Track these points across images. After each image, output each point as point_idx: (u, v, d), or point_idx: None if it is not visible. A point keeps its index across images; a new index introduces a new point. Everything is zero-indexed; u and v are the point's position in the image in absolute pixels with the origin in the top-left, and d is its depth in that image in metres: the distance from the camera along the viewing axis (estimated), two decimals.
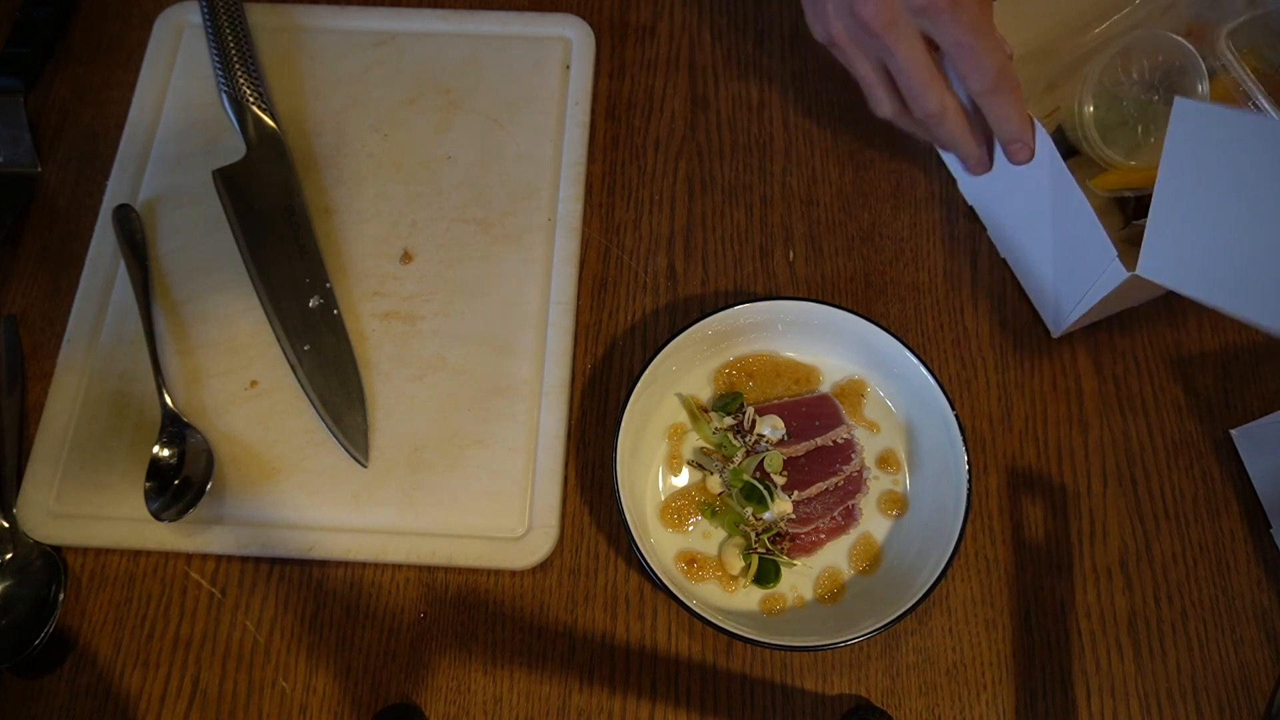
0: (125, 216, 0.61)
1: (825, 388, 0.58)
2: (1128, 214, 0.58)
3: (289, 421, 0.57)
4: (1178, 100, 0.45)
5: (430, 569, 0.55)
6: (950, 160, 0.65)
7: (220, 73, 0.65)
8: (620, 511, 0.50)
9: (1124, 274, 0.50)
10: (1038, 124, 0.53)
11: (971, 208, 0.64)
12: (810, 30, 0.57)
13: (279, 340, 0.58)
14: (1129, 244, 0.50)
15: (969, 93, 0.53)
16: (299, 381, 0.57)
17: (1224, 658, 0.53)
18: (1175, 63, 0.54)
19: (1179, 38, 0.53)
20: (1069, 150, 0.57)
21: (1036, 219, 0.57)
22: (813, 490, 0.54)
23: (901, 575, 0.52)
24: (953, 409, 0.52)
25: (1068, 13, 0.60)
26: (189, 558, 0.54)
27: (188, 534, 0.54)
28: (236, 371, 0.58)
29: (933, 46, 0.53)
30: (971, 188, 0.64)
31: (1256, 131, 0.41)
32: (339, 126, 0.65)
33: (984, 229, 0.64)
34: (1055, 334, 0.60)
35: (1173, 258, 0.47)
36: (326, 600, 0.54)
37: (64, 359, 0.58)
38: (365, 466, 0.56)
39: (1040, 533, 0.56)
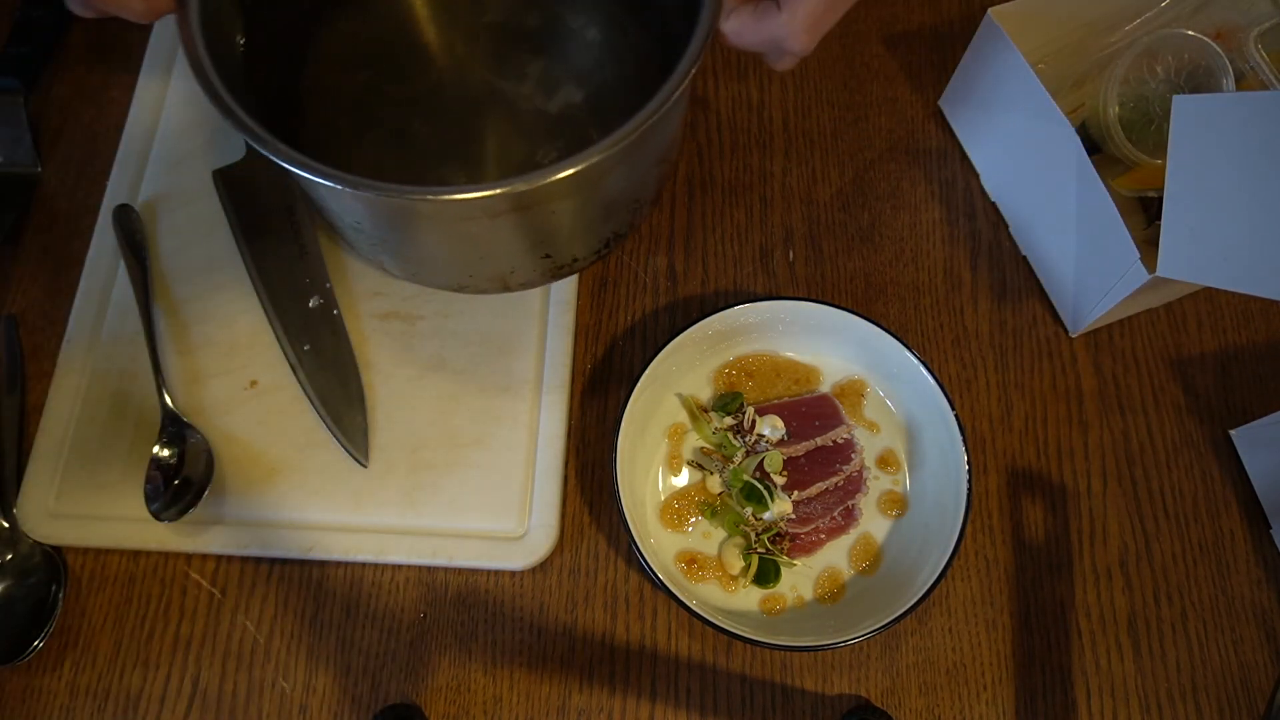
0: (125, 216, 0.61)
1: (825, 388, 0.58)
2: (1150, 215, 0.58)
3: (289, 421, 0.57)
4: (1176, 98, 0.45)
5: (430, 569, 0.55)
6: (974, 155, 0.65)
7: None
8: (620, 511, 0.50)
9: (1145, 275, 0.50)
10: (1065, 122, 0.52)
11: (993, 204, 0.64)
12: None
13: (279, 340, 0.58)
14: (1151, 245, 0.50)
15: None
16: (299, 381, 0.57)
17: (1224, 658, 0.53)
18: (1201, 63, 0.53)
19: (1204, 37, 0.53)
20: (1092, 147, 0.57)
21: (1059, 217, 0.57)
22: (813, 490, 0.54)
23: (901, 575, 0.52)
24: (953, 409, 0.52)
25: (1097, 12, 0.60)
26: (189, 558, 0.54)
27: (188, 534, 0.54)
28: (236, 371, 0.58)
29: None
30: (995, 184, 0.64)
31: (1262, 110, 0.41)
32: None
33: (984, 229, 0.64)
34: (1073, 334, 0.60)
35: (1191, 252, 0.47)
36: (326, 600, 0.54)
37: (64, 359, 0.58)
38: (365, 466, 0.56)
39: (1040, 533, 0.56)
